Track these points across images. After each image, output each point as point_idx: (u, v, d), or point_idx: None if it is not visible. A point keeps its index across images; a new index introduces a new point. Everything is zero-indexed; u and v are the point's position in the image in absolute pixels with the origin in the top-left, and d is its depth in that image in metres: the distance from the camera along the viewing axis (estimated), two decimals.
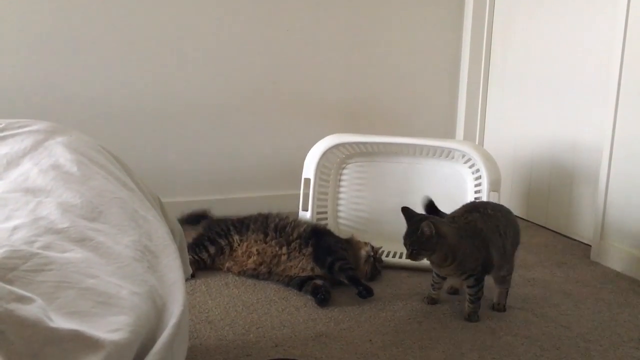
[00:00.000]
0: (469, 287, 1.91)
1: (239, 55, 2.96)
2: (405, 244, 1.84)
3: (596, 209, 2.53)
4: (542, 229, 2.98)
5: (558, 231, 2.91)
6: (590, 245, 2.58)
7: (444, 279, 1.99)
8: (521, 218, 3.13)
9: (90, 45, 2.69)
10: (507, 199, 3.20)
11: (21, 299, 0.69)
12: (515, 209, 3.17)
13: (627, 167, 2.38)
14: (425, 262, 2.34)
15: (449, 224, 1.87)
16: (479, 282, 1.89)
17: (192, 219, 2.48)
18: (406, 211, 1.89)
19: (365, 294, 2.03)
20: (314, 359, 1.64)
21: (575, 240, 2.80)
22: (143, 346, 0.79)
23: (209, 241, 2.27)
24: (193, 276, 2.16)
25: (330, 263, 2.10)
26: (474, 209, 1.94)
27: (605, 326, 1.91)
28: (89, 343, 0.69)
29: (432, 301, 2.03)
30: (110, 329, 0.74)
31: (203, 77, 2.92)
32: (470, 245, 1.84)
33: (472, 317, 1.91)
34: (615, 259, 2.42)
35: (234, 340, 1.74)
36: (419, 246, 1.81)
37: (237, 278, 2.21)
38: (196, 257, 2.24)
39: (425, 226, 1.78)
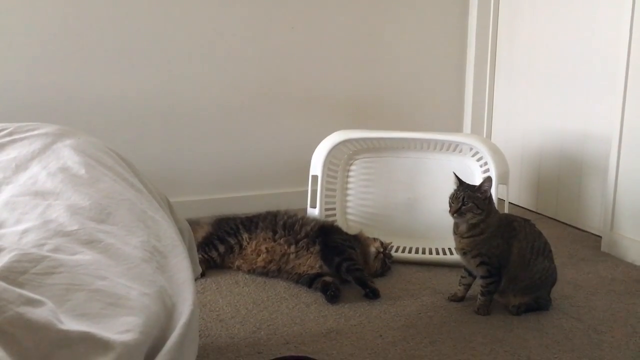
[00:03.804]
0: (481, 277, 1.91)
1: (244, 53, 2.96)
2: (455, 199, 1.87)
3: (606, 199, 2.51)
4: (552, 220, 2.97)
5: (568, 223, 2.90)
6: (601, 237, 2.56)
7: (472, 276, 1.98)
8: (531, 210, 3.12)
9: (97, 47, 2.70)
10: (517, 192, 3.19)
11: (31, 302, 0.70)
12: (525, 201, 3.17)
13: (636, 157, 2.37)
14: (436, 256, 2.36)
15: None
16: (491, 274, 1.88)
17: None
18: (456, 175, 1.95)
19: (372, 295, 2.03)
20: (325, 355, 1.64)
21: (585, 231, 2.78)
22: (153, 346, 0.80)
23: (218, 240, 2.28)
24: (203, 275, 2.17)
25: (337, 263, 2.10)
26: (527, 222, 1.94)
27: (617, 317, 1.90)
28: (99, 344, 0.70)
29: (456, 298, 2.01)
30: (121, 330, 0.75)
31: (209, 76, 2.92)
32: (498, 231, 1.87)
33: (481, 310, 1.91)
34: (626, 250, 2.41)
35: (245, 338, 1.75)
36: (473, 200, 1.84)
37: (247, 276, 2.22)
38: (206, 256, 2.25)
39: (488, 182, 1.86)
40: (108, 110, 2.76)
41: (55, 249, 0.90)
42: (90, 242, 0.96)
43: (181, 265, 1.05)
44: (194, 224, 2.24)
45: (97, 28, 2.69)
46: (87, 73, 2.71)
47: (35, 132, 1.46)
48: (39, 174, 1.25)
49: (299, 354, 1.64)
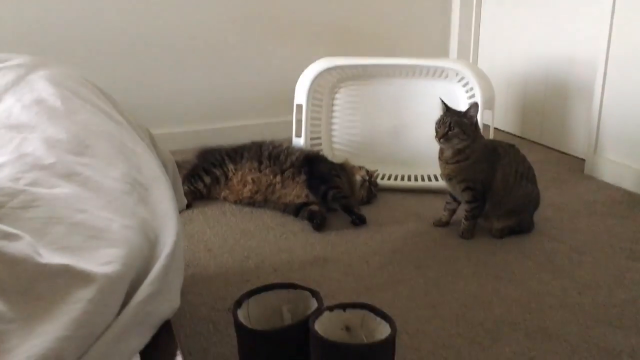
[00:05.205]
0: (466, 202, 1.92)
1: None
2: (441, 124, 1.85)
3: (590, 123, 2.51)
4: (536, 145, 2.98)
5: (552, 147, 2.91)
6: (584, 160, 2.58)
7: (457, 202, 1.99)
8: (516, 135, 3.12)
9: None
10: (502, 116, 3.18)
11: (8, 237, 0.69)
12: (510, 126, 3.17)
13: (621, 81, 2.35)
14: (421, 183, 2.37)
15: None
16: (475, 199, 1.90)
17: None
18: (443, 101, 1.93)
19: (359, 222, 2.05)
20: (312, 282, 1.67)
21: (569, 155, 2.80)
22: (137, 278, 0.80)
23: (204, 171, 2.27)
24: (190, 206, 2.17)
25: (324, 192, 2.11)
26: (511, 147, 1.94)
27: (598, 238, 1.94)
28: (80, 277, 0.69)
29: (441, 223, 2.03)
30: (102, 262, 0.74)
31: (189, 4, 2.82)
32: (483, 156, 1.88)
33: (465, 234, 1.94)
34: (609, 172, 2.43)
35: (234, 266, 1.77)
36: (459, 125, 1.83)
37: (233, 206, 2.23)
38: (192, 187, 2.24)
39: (475, 108, 1.85)
40: (84, 40, 2.67)
41: (33, 183, 0.88)
42: (68, 175, 0.94)
43: (163, 197, 1.04)
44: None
45: None
46: (63, 1, 2.60)
47: (8, 64, 1.41)
48: (13, 106, 1.21)
49: (287, 282, 1.66)
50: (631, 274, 1.71)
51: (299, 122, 2.49)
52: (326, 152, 2.50)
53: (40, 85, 1.31)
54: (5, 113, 1.18)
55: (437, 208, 2.12)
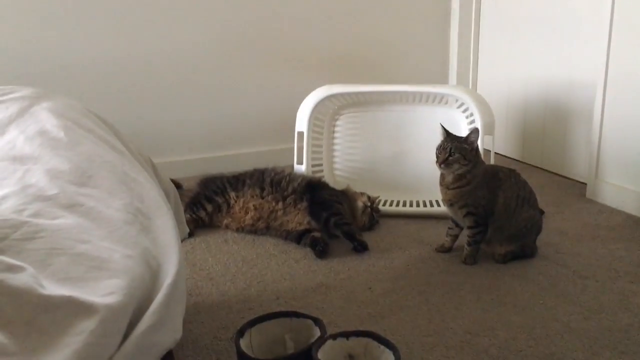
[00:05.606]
0: (468, 227, 1.92)
1: (226, 8, 2.89)
2: (442, 150, 1.85)
3: (591, 147, 2.52)
4: (537, 169, 2.98)
5: (554, 171, 2.91)
6: (586, 184, 2.58)
7: (459, 227, 1.99)
8: (517, 160, 3.13)
9: (72, 4, 2.63)
10: (503, 141, 3.19)
11: (11, 269, 0.69)
12: (511, 150, 3.18)
13: (621, 104, 2.37)
14: (423, 208, 2.37)
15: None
16: (477, 224, 1.90)
17: None
18: (443, 127, 1.93)
19: (360, 249, 2.05)
20: (315, 309, 1.66)
21: (570, 179, 2.80)
22: (139, 308, 0.80)
23: (205, 199, 2.28)
24: (192, 234, 2.18)
25: (325, 218, 2.11)
26: (512, 172, 1.95)
27: (602, 262, 1.93)
28: (83, 308, 0.69)
29: (444, 249, 2.03)
30: (104, 292, 0.74)
31: (191, 34, 2.86)
32: (484, 182, 1.88)
33: (468, 259, 1.93)
34: (611, 196, 2.43)
35: (236, 295, 1.77)
36: (460, 151, 1.83)
37: (235, 234, 2.23)
38: (194, 215, 2.25)
39: (475, 133, 1.85)
40: (85, 71, 2.70)
41: (36, 214, 0.89)
42: (71, 206, 0.95)
43: (166, 226, 1.04)
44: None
45: None
46: (63, 33, 2.64)
47: (12, 96, 1.42)
48: (16, 138, 1.22)
49: (289, 310, 1.66)
50: (635, 298, 1.70)
51: (300, 149, 2.51)
52: (328, 179, 2.50)
53: (44, 117, 1.32)
54: (9, 145, 1.19)
55: (439, 234, 2.12)
